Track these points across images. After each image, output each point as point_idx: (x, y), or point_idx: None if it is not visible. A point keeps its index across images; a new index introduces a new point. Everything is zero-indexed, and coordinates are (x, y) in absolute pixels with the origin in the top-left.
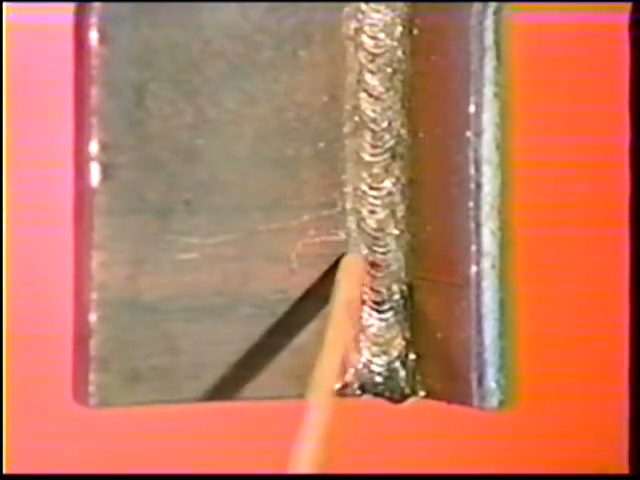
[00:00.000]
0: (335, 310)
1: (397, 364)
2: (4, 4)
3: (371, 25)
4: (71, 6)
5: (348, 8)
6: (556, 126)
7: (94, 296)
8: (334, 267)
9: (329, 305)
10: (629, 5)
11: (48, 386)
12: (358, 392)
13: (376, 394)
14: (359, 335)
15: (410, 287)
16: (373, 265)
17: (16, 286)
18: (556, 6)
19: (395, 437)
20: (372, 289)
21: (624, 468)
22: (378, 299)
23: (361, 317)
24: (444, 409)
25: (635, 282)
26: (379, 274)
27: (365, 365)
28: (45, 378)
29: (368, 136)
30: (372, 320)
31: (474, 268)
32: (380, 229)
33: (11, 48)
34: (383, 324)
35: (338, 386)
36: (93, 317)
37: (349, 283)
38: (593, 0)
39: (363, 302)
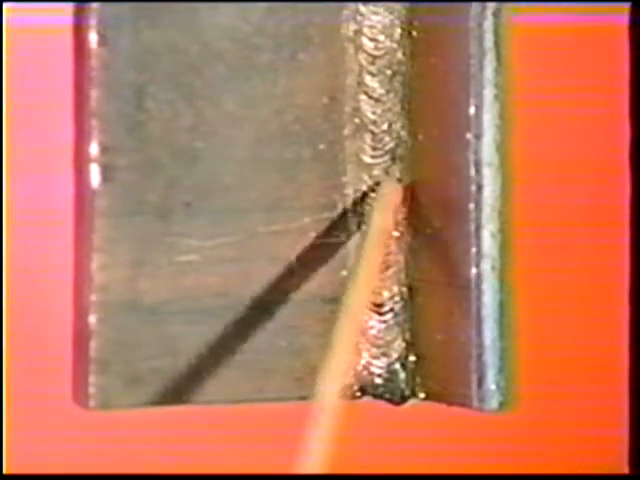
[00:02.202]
0: (368, 238)
1: (397, 366)
2: (4, 4)
3: (370, 27)
4: (70, 7)
5: (347, 10)
6: (556, 128)
7: (94, 298)
8: (334, 268)
9: (362, 232)
10: (628, 6)
11: (48, 388)
12: (358, 394)
13: (376, 396)
14: (359, 337)
15: (410, 289)
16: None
17: (16, 288)
18: (555, 7)
19: (395, 439)
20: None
21: (624, 468)
22: (378, 301)
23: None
24: (444, 411)
25: (635, 284)
26: (379, 276)
27: (365, 367)
28: (45, 380)
29: (368, 138)
30: (372, 322)
31: (474, 270)
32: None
33: (11, 50)
34: (383, 326)
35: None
36: (93, 319)
37: (384, 211)
38: (592, 1)
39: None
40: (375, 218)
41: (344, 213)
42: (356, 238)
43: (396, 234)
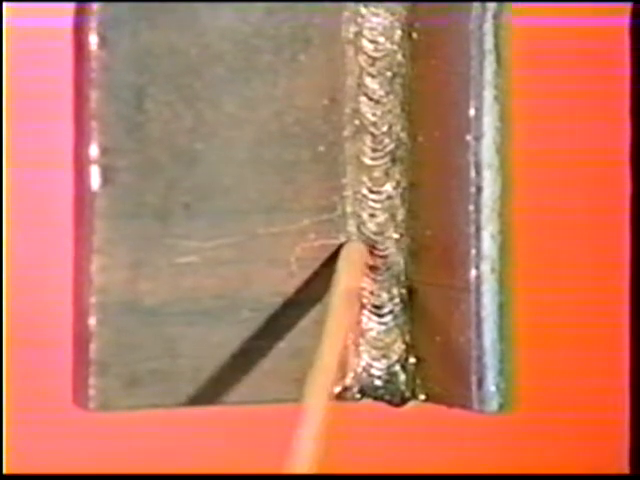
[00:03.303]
0: (335, 298)
1: (397, 368)
2: (4, 4)
3: (371, 29)
4: (70, 9)
5: (347, 12)
6: (556, 129)
7: (94, 300)
8: (334, 265)
9: (329, 293)
10: (629, 7)
11: (48, 390)
12: (358, 396)
13: (376, 398)
14: (359, 339)
15: (410, 291)
16: (373, 269)
17: (16, 289)
18: (556, 8)
19: (395, 440)
20: (372, 293)
21: (624, 468)
22: (378, 303)
23: (361, 316)
24: (444, 412)
25: (635, 286)
26: (379, 278)
27: (365, 369)
28: (45, 382)
29: (368, 140)
30: (372, 324)
31: (474, 272)
32: (380, 233)
33: (11, 51)
34: (383, 328)
35: (338, 389)
36: (93, 321)
37: (350, 271)
38: (593, 1)
39: (363, 306)
40: (341, 278)
41: (343, 215)
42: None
43: (396, 236)
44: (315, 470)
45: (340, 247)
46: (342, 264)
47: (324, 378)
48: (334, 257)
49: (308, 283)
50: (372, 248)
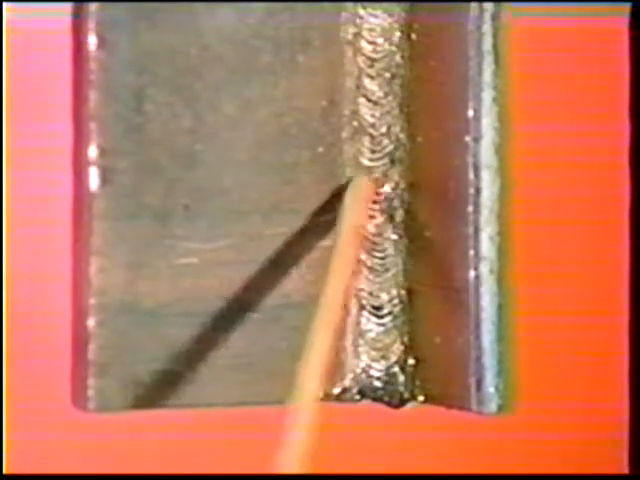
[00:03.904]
0: (341, 235)
1: (396, 369)
2: (4, 4)
3: (369, 30)
4: (69, 10)
5: (346, 13)
6: (555, 130)
7: (93, 301)
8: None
9: (335, 230)
10: (628, 7)
11: (47, 391)
12: (357, 397)
13: (375, 399)
14: (358, 340)
15: (409, 292)
16: (371, 270)
17: (15, 291)
18: (555, 8)
19: (394, 441)
20: (371, 294)
21: (624, 468)
22: (377, 304)
23: (360, 317)
24: (443, 413)
25: (635, 286)
26: (377, 279)
27: (364, 370)
28: (44, 383)
29: (367, 141)
30: (371, 325)
31: (472, 273)
32: (379, 234)
33: (10, 52)
34: (382, 329)
35: (337, 390)
36: (92, 322)
37: (357, 208)
38: (592, 1)
39: (362, 307)
40: (348, 215)
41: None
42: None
43: (394, 237)
44: (308, 468)
45: (347, 183)
46: (348, 200)
47: (329, 314)
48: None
49: (307, 284)
50: (371, 249)
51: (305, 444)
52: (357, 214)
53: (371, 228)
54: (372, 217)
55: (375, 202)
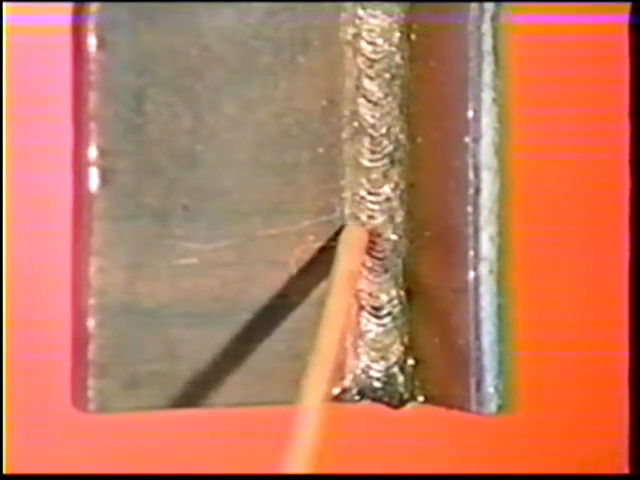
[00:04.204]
0: (335, 281)
1: (396, 369)
2: (4, 4)
3: (369, 31)
4: (69, 10)
5: (346, 14)
6: (555, 130)
7: (92, 301)
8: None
9: (329, 277)
10: (629, 6)
11: (47, 391)
12: (357, 397)
13: (375, 399)
14: (357, 340)
15: (408, 292)
16: (371, 270)
17: (15, 291)
18: (554, 7)
19: (394, 442)
20: (370, 294)
21: (624, 468)
22: (376, 304)
23: (360, 316)
24: (443, 414)
25: (635, 287)
26: (377, 279)
27: (363, 370)
28: (44, 383)
29: (367, 141)
30: (370, 325)
31: (472, 273)
32: (378, 234)
33: (10, 53)
34: (381, 329)
35: (337, 391)
36: (91, 322)
37: (350, 254)
38: (592, 1)
39: (361, 307)
40: (341, 261)
41: (342, 216)
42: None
43: (394, 237)
44: (312, 470)
45: (340, 230)
46: (342, 247)
47: (323, 363)
48: (333, 258)
49: (307, 285)
50: (370, 250)
51: (313, 445)
52: (351, 261)
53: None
54: (365, 265)
55: (369, 250)
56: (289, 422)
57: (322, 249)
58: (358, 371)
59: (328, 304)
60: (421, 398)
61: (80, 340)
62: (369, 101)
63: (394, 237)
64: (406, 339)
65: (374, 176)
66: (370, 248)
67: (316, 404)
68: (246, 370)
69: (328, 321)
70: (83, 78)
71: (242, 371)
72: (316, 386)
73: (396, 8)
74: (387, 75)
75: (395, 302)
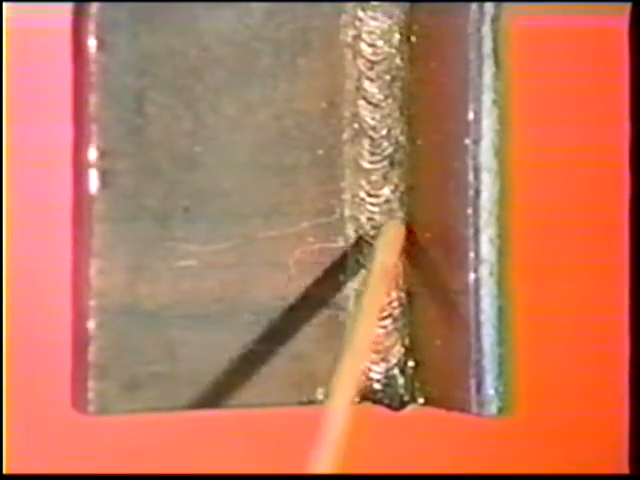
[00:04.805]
0: (371, 276)
1: (396, 371)
2: (4, 4)
3: (369, 32)
4: (69, 12)
5: (346, 15)
6: (555, 132)
7: (93, 303)
8: (332, 273)
9: (366, 271)
10: (629, 6)
11: (47, 393)
12: (357, 399)
13: (375, 401)
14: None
15: (408, 294)
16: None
17: (15, 293)
18: (554, 7)
19: (394, 444)
20: None
21: (624, 468)
22: None
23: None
24: (443, 416)
25: (635, 290)
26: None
27: (364, 372)
28: (44, 385)
29: (367, 143)
30: None
31: (472, 275)
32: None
33: (10, 55)
34: (382, 331)
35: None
36: (92, 324)
37: (387, 250)
38: (592, 1)
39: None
40: (378, 257)
41: (342, 218)
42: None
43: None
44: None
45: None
46: (380, 242)
47: (355, 358)
48: (333, 260)
49: (307, 286)
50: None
51: (338, 446)
52: (387, 256)
53: (371, 231)
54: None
55: (405, 247)
56: (289, 423)
57: (322, 250)
58: None
59: (364, 298)
60: (421, 400)
61: (80, 342)
62: (369, 103)
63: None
64: (407, 341)
65: (374, 178)
66: (407, 245)
67: (346, 401)
68: (246, 372)
69: (363, 316)
70: (83, 79)
71: (242, 373)
72: (348, 382)
73: (396, 10)
74: (387, 77)
75: (395, 304)
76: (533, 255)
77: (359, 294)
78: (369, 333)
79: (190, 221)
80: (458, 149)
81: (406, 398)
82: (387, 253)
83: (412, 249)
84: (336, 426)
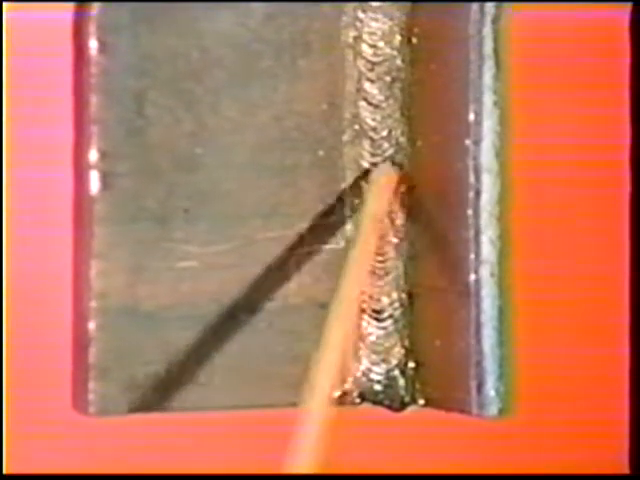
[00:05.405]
0: (362, 224)
1: (396, 372)
2: (4, 4)
3: (370, 33)
4: (69, 14)
5: (346, 17)
6: (556, 133)
7: (93, 304)
8: (332, 274)
9: (357, 218)
10: (629, 5)
11: (47, 394)
12: (357, 400)
13: (375, 402)
14: (358, 343)
15: (409, 295)
16: (372, 273)
17: (15, 294)
18: (554, 6)
19: (394, 445)
20: (371, 297)
21: (624, 468)
22: (377, 307)
23: (361, 320)
24: (443, 417)
25: (635, 290)
26: (378, 282)
27: (364, 373)
28: (44, 386)
29: (367, 144)
30: (371, 328)
31: (473, 276)
32: (379, 237)
33: (10, 56)
34: (382, 332)
35: (337, 393)
36: (92, 325)
37: (378, 196)
38: (593, 1)
39: (362, 310)
40: (369, 203)
41: (342, 219)
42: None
43: (395, 240)
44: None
45: (368, 171)
46: (370, 188)
47: (345, 307)
48: (333, 261)
49: (307, 287)
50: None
51: (316, 447)
52: (379, 203)
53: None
54: (392, 208)
55: (396, 194)
56: (288, 424)
57: (321, 251)
58: (359, 374)
59: (355, 246)
60: (422, 401)
61: (81, 343)
62: (370, 104)
63: (394, 240)
64: (407, 342)
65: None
66: (399, 192)
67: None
68: (244, 373)
69: (353, 263)
70: (84, 81)
71: (241, 374)
72: (335, 344)
73: (397, 11)
74: (388, 78)
75: (396, 305)
76: (534, 256)
77: (351, 242)
78: (360, 281)
79: (190, 222)
80: (459, 150)
81: (406, 399)
82: (378, 200)
83: (413, 246)
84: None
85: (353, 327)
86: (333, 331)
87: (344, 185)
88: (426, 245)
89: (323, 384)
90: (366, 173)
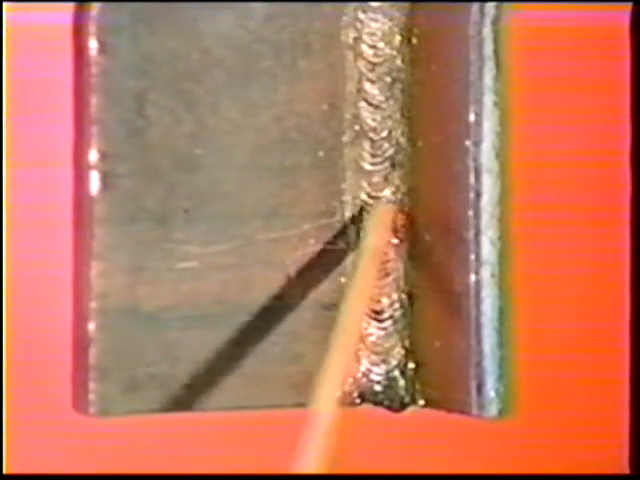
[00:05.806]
0: (361, 257)
1: (396, 373)
2: (4, 4)
3: (370, 34)
4: (70, 14)
5: (347, 17)
6: (556, 134)
7: (93, 305)
8: (332, 275)
9: (356, 253)
10: (629, 5)
11: (48, 395)
12: (357, 401)
13: (375, 403)
14: (358, 344)
15: (409, 296)
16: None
17: (16, 295)
18: (554, 6)
19: (394, 446)
20: (371, 298)
21: (624, 468)
22: (377, 308)
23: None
24: (443, 418)
25: (635, 291)
26: (378, 283)
27: (364, 374)
28: (45, 387)
29: (368, 145)
30: (371, 329)
31: (473, 277)
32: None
33: (11, 56)
34: (382, 333)
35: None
36: (92, 326)
37: (377, 231)
38: (593, 1)
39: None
40: (369, 237)
41: (342, 220)
42: (354, 245)
43: (395, 241)
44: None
45: (363, 208)
46: (370, 223)
47: (347, 338)
48: (333, 261)
49: (307, 288)
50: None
51: (323, 448)
52: (377, 237)
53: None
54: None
55: (395, 228)
56: (288, 424)
57: (321, 252)
58: (359, 374)
59: (354, 279)
60: (422, 402)
61: (81, 343)
62: (370, 104)
63: (395, 241)
64: (407, 343)
65: (375, 179)
66: (396, 226)
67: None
68: (244, 373)
69: (353, 296)
70: (84, 81)
71: (241, 374)
72: (338, 362)
73: (397, 11)
74: (388, 78)
75: (396, 306)
76: (534, 256)
77: (350, 276)
78: (360, 313)
79: (190, 223)
80: (459, 151)
81: (406, 400)
82: (377, 235)
83: (414, 247)
84: (324, 418)
85: (355, 358)
86: (335, 362)
87: (344, 186)
88: (426, 246)
89: (330, 389)
90: (364, 209)
